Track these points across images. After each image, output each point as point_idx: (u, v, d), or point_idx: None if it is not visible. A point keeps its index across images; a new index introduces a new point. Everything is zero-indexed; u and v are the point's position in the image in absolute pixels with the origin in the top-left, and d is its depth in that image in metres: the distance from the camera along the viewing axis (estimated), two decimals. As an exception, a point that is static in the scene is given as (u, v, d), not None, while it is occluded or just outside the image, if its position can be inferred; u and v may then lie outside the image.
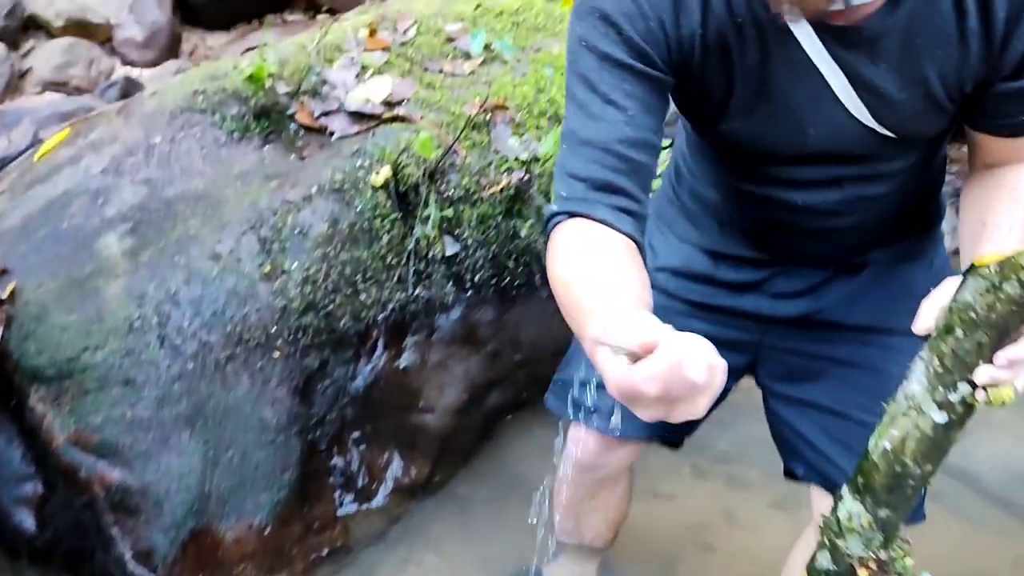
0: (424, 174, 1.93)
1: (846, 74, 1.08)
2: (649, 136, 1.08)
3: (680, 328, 0.86)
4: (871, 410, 1.30)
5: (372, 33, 2.27)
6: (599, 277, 0.98)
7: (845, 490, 1.06)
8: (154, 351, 1.65)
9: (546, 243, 1.10)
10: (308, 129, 2.06)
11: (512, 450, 2.18)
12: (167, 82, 2.25)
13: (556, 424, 2.26)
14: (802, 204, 1.24)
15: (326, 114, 2.07)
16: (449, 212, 1.96)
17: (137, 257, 1.75)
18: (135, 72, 3.66)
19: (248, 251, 1.78)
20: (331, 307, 1.83)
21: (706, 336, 0.84)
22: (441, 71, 2.21)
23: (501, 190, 2.02)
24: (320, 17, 3.93)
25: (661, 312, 1.43)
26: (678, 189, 1.45)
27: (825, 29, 1.06)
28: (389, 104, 2.09)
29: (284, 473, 1.76)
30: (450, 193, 1.98)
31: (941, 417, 1.00)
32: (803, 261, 1.35)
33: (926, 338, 1.01)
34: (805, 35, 1.06)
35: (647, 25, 1.05)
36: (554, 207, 1.08)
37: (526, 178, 2.04)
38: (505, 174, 2.03)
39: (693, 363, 0.79)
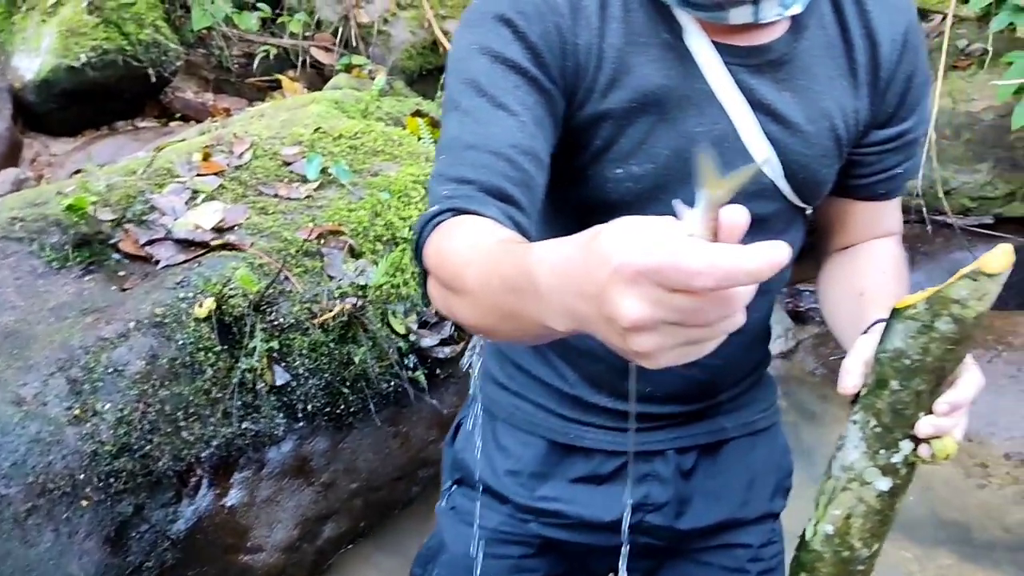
0: (250, 305, 1.90)
1: (752, 103, 1.01)
2: (540, 151, 0.95)
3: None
4: None
5: (206, 157, 2.25)
6: (516, 240, 0.78)
7: None
8: (-58, 509, 1.53)
9: (418, 250, 0.88)
10: (132, 258, 2.00)
11: (351, 583, 2.12)
12: (-16, 207, 2.15)
13: (397, 551, 2.21)
14: None
15: (152, 242, 2.02)
16: (277, 343, 1.93)
17: (-69, 403, 1.64)
18: (-31, 181, 3.49)
19: (56, 393, 1.69)
20: (148, 448, 1.75)
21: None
22: (276, 195, 2.20)
23: (334, 317, 2.00)
24: (173, 124, 3.87)
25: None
26: (508, 355, 1.22)
27: (731, 52, 1.00)
28: (219, 230, 2.06)
29: (92, 631, 1.64)
30: (280, 321, 1.94)
31: (885, 484, 0.90)
32: (664, 423, 1.17)
33: (854, 401, 0.92)
34: (710, 59, 1.00)
35: (544, 26, 0.97)
36: (434, 208, 0.89)
37: (360, 304, 2.03)
38: (338, 300, 2.02)
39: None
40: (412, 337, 2.14)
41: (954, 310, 0.82)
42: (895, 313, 0.87)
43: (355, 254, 2.11)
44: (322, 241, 2.09)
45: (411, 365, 2.13)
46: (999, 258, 0.80)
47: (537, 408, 1.20)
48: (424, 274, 0.89)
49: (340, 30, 3.98)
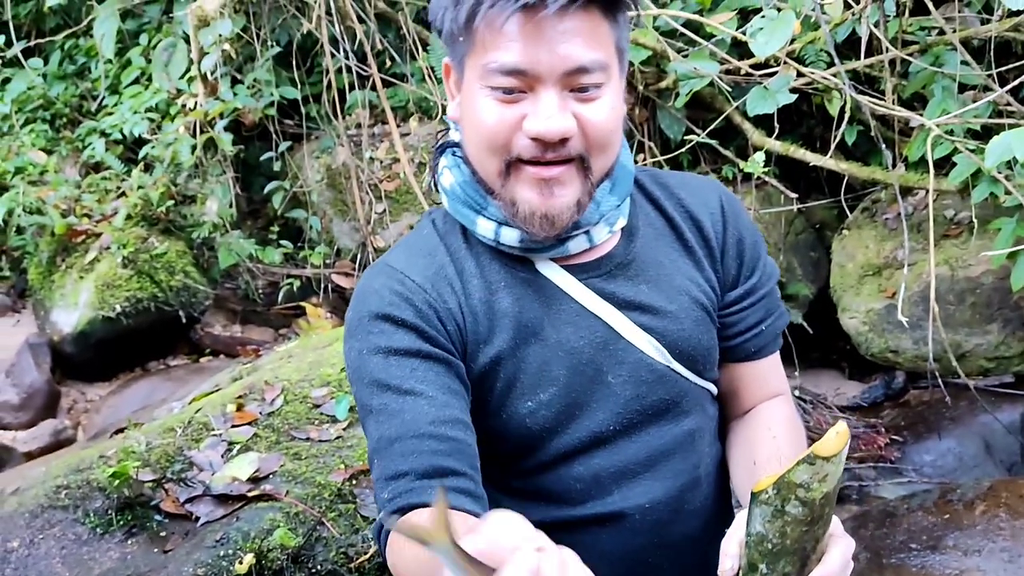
0: (288, 558, 1.93)
1: (616, 304, 1.11)
2: (459, 415, 1.01)
3: None
4: None
5: (239, 408, 2.35)
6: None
7: None
8: None
9: (386, 561, 0.96)
10: (173, 517, 2.06)
11: None
12: (29, 476, 2.23)
13: None
14: (622, 510, 1.10)
15: (191, 500, 2.08)
16: (318, 592, 1.95)
17: None
18: (9, 436, 3.60)
19: (103, 670, 1.71)
20: None
21: None
22: (308, 439, 2.28)
23: (370, 559, 2.03)
24: (203, 360, 4.02)
25: None
26: None
27: (580, 269, 1.12)
28: (255, 480, 2.12)
29: None
30: (318, 569, 1.97)
31: None
32: None
33: None
34: (566, 280, 1.10)
35: (414, 307, 1.06)
36: (381, 515, 0.97)
37: (395, 542, 2.06)
38: (374, 541, 2.05)
39: None
40: (449, 568, 2.15)
41: (800, 494, 0.83)
42: (753, 497, 0.88)
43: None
44: (354, 482, 2.14)
45: (450, 598, 2.13)
46: (833, 440, 0.81)
47: None
48: None
49: (359, 256, 4.18)
